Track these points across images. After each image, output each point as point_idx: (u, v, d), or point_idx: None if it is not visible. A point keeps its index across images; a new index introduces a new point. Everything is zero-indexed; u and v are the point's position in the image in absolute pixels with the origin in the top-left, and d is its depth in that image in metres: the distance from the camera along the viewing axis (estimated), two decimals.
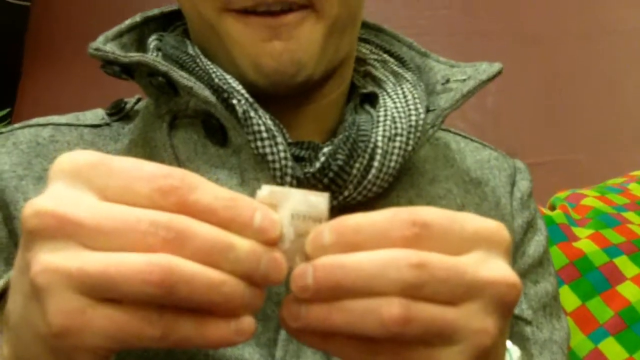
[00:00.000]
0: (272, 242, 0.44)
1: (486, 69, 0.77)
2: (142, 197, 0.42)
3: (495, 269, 0.46)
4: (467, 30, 1.87)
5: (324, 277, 0.43)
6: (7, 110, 1.89)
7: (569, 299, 1.12)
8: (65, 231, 0.41)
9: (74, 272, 0.41)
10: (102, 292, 0.41)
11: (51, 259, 0.41)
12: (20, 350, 0.46)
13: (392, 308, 0.42)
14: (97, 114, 0.81)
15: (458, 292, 0.44)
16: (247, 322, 0.43)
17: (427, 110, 0.75)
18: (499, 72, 0.77)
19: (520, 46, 1.85)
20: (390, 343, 0.44)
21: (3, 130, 0.78)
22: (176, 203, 0.42)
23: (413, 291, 0.43)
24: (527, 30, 1.86)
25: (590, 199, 1.30)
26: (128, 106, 0.81)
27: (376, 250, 0.43)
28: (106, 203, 0.43)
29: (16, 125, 0.79)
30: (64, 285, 0.41)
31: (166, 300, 0.41)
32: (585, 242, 1.17)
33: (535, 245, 0.84)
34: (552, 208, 1.31)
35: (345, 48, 0.75)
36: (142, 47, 0.79)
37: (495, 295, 0.45)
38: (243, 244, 0.43)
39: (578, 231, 1.20)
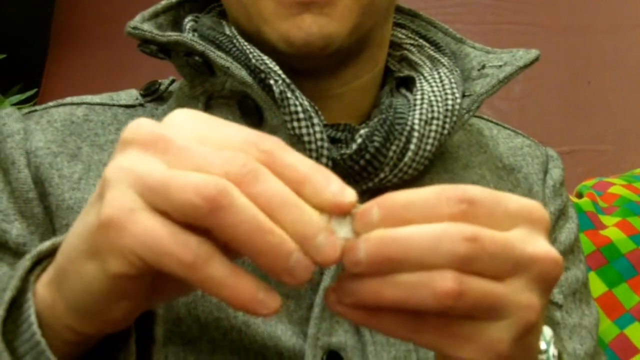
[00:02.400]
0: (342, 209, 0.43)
1: (523, 55, 0.77)
2: (234, 146, 0.43)
3: (540, 245, 0.46)
4: (496, 20, 1.87)
5: (376, 251, 0.43)
6: (34, 91, 1.91)
7: (596, 285, 1.12)
8: (155, 147, 0.43)
9: (139, 172, 0.42)
10: (157, 199, 0.41)
11: (127, 162, 0.43)
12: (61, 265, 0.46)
13: (445, 281, 0.42)
14: (131, 95, 0.81)
15: (507, 267, 0.44)
16: (274, 298, 0.42)
17: (463, 96, 0.75)
18: (536, 59, 0.77)
19: (549, 36, 1.85)
20: (437, 319, 0.44)
21: (37, 108, 0.78)
22: (263, 153, 0.43)
23: (465, 264, 0.43)
24: (557, 21, 1.86)
25: (617, 187, 1.29)
26: (162, 87, 0.81)
27: (428, 224, 0.43)
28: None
29: (50, 104, 0.79)
30: (126, 183, 0.42)
31: (211, 223, 0.41)
32: (612, 229, 1.17)
33: (567, 232, 0.84)
34: (579, 196, 1.31)
35: (378, 29, 0.75)
36: (177, 27, 0.79)
37: (540, 272, 0.45)
38: (309, 209, 0.42)
39: (605, 219, 1.20)
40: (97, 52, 2.09)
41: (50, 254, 0.50)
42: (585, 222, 1.18)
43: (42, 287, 0.49)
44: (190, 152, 0.42)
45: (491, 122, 0.89)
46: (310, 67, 0.72)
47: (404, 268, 0.43)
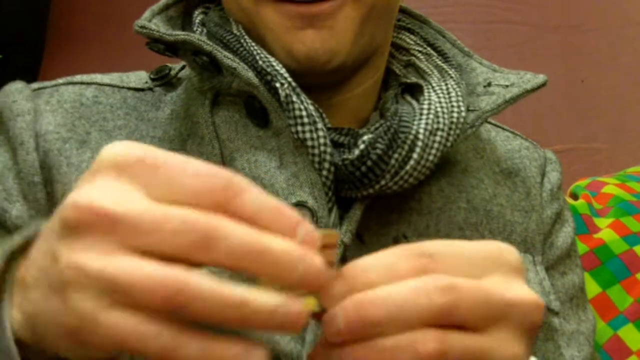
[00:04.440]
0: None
1: (531, 78, 0.78)
2: (187, 195, 0.41)
3: (518, 289, 0.45)
4: (490, 20, 1.87)
5: (354, 316, 0.42)
6: None
7: (590, 287, 1.11)
8: (100, 227, 0.40)
9: (94, 273, 0.40)
10: (116, 296, 0.40)
11: (79, 257, 0.40)
12: (39, 329, 0.44)
13: (427, 343, 0.42)
14: (140, 77, 0.81)
15: (487, 315, 0.44)
16: (257, 355, 0.40)
17: (467, 110, 0.74)
18: (543, 84, 0.77)
19: (542, 35, 1.85)
20: None
21: (46, 84, 0.78)
22: (220, 203, 0.41)
23: (445, 317, 0.42)
24: (550, 20, 1.86)
25: (611, 186, 1.29)
26: (172, 72, 0.81)
27: (403, 281, 0.43)
28: (146, 200, 0.41)
29: (60, 81, 0.78)
30: (84, 285, 0.40)
31: (178, 315, 0.40)
32: (605, 231, 1.17)
33: (564, 237, 0.84)
34: (573, 196, 1.32)
35: (380, 36, 0.76)
36: (188, 19, 0.80)
37: (522, 317, 0.45)
38: (279, 245, 0.40)
39: (599, 222, 1.20)
40: (93, 52, 2.08)
41: (23, 248, 0.49)
42: (580, 225, 1.18)
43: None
44: (139, 225, 0.40)
45: (489, 123, 0.89)
46: (313, 83, 0.73)
47: (384, 330, 0.42)
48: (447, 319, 0.42)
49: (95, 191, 0.41)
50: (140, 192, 0.41)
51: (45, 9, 2.19)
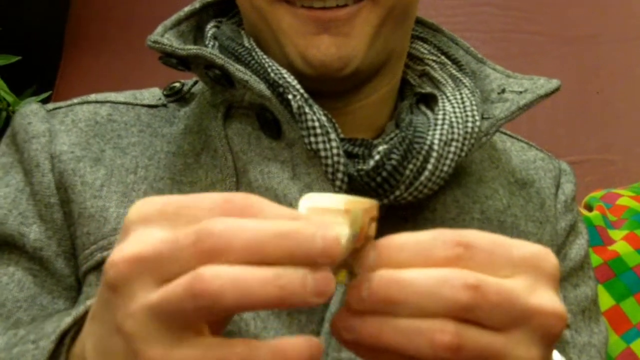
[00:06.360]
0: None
1: (544, 84, 0.77)
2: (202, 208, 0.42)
3: (545, 298, 0.45)
4: (506, 29, 1.86)
5: (378, 290, 0.43)
6: (48, 93, 1.92)
7: (603, 299, 1.11)
8: (133, 272, 0.41)
9: (145, 310, 0.40)
10: (168, 320, 0.40)
11: (131, 306, 0.41)
12: None
13: (444, 334, 0.42)
14: (154, 94, 0.82)
15: (508, 318, 0.43)
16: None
17: (482, 118, 0.74)
18: (557, 89, 0.77)
19: (558, 46, 1.84)
20: None
21: (61, 104, 0.79)
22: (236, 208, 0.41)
23: (465, 314, 0.42)
24: (566, 31, 1.85)
25: (626, 198, 1.29)
26: (185, 88, 0.82)
27: (432, 268, 0.43)
28: (165, 231, 0.42)
29: (75, 100, 0.79)
30: (144, 329, 0.40)
31: (221, 310, 0.39)
32: (620, 243, 1.17)
33: (577, 249, 0.84)
34: (588, 208, 1.31)
35: (395, 42, 0.76)
36: (200, 33, 0.80)
37: (542, 325, 0.44)
38: (292, 225, 0.40)
39: (614, 234, 1.20)
40: (111, 54, 2.09)
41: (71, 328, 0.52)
42: (595, 237, 1.18)
43: None
44: (161, 254, 0.41)
45: (505, 134, 0.89)
46: (328, 89, 0.73)
47: (405, 311, 0.42)
48: (467, 316, 0.42)
49: (122, 246, 0.42)
50: (167, 229, 0.42)
51: (64, 11, 2.21)
